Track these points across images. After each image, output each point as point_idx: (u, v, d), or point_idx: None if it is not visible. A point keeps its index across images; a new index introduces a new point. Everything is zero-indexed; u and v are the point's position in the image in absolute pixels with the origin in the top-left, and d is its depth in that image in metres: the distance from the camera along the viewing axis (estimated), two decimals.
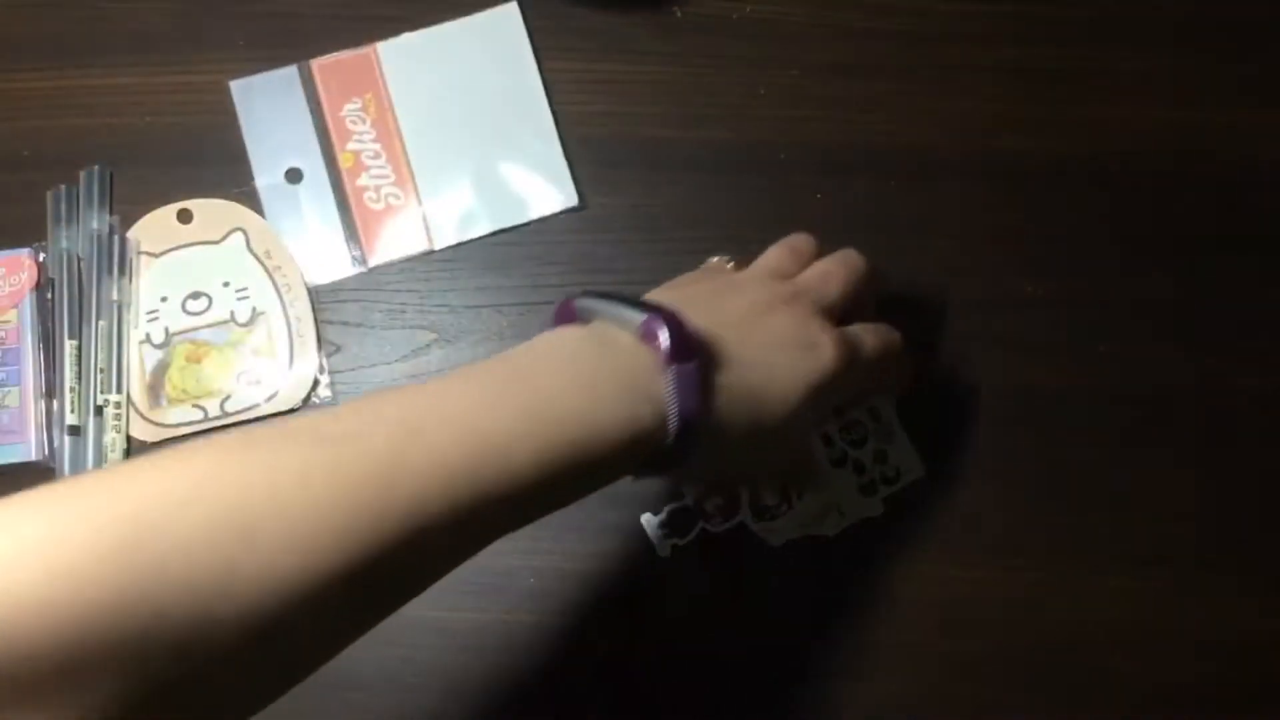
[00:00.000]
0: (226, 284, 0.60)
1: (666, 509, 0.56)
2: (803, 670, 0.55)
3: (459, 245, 0.60)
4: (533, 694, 0.55)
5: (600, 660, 0.55)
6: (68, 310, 0.59)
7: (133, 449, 0.58)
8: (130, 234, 0.60)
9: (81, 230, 0.60)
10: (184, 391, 0.58)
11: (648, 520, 0.56)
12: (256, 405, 0.58)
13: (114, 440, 0.57)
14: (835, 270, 0.49)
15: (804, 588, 0.55)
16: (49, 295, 0.59)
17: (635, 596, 0.56)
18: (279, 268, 0.60)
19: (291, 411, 0.58)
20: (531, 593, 0.56)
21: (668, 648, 0.55)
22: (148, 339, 0.59)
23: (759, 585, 0.56)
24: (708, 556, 0.56)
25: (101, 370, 0.58)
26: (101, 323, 0.59)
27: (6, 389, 0.58)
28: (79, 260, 0.60)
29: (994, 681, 0.55)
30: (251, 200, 0.61)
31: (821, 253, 0.51)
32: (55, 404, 0.58)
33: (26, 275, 0.59)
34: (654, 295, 0.47)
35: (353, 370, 0.59)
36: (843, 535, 0.56)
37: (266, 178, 0.61)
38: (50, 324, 0.59)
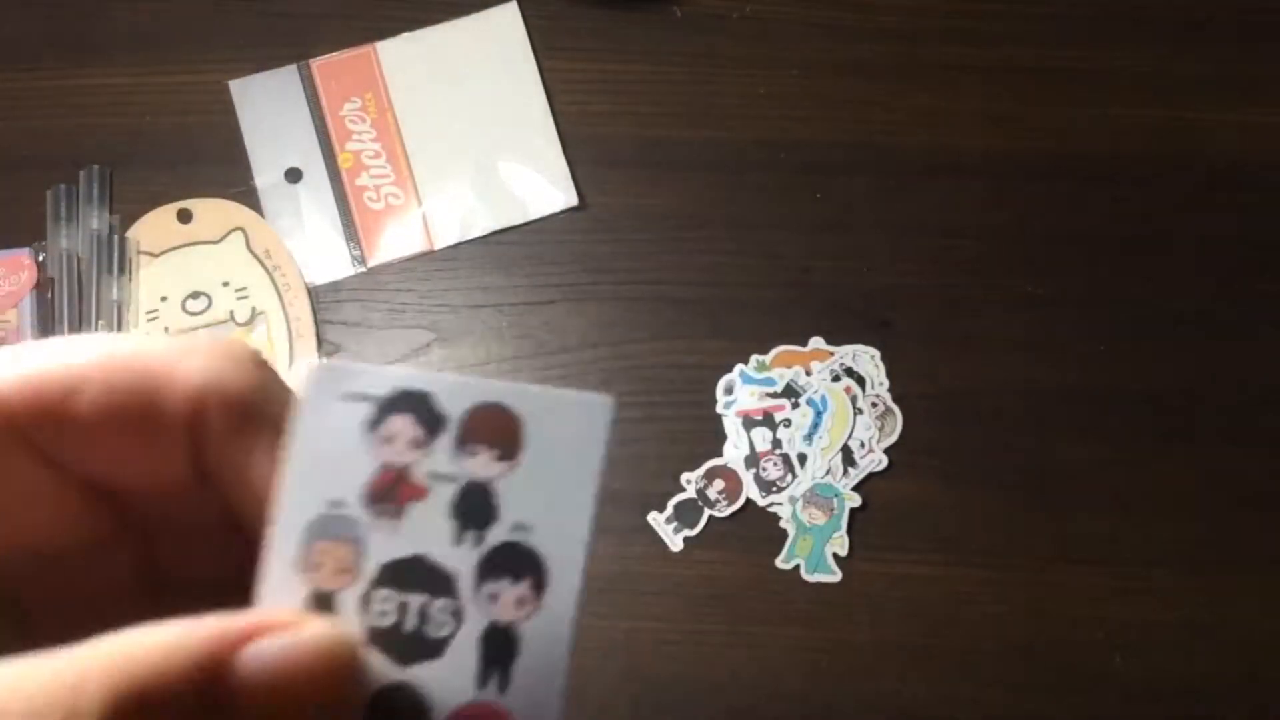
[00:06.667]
0: (226, 284, 0.60)
1: (671, 503, 0.56)
2: (810, 669, 0.55)
3: (459, 245, 0.60)
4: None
5: (624, 663, 0.55)
6: (67, 310, 0.59)
7: None
8: (130, 234, 0.60)
9: (81, 230, 0.60)
10: None
11: (654, 518, 0.56)
12: None
13: None
14: None
15: (804, 586, 0.55)
16: (49, 295, 0.59)
17: (654, 593, 0.56)
18: (278, 267, 0.60)
19: None
20: None
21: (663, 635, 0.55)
22: None
23: (768, 577, 0.56)
24: (719, 547, 0.56)
25: None
26: (101, 322, 0.59)
27: None
28: (79, 260, 0.60)
29: (993, 681, 0.55)
30: (251, 200, 0.61)
31: None
32: None
33: (26, 275, 0.59)
34: None
35: None
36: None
37: (266, 177, 0.61)
38: (50, 324, 0.59)
